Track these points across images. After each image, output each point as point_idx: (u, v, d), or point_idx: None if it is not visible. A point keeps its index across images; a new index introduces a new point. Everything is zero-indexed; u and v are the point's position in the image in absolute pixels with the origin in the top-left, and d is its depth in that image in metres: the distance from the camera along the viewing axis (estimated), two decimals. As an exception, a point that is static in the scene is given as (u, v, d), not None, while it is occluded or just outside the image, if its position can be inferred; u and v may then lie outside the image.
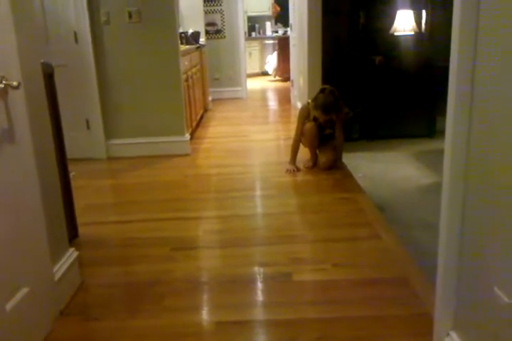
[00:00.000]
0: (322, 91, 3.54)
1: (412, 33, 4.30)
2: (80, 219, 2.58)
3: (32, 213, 1.71)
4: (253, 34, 10.87)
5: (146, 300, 1.97)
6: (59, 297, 1.88)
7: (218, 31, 7.73)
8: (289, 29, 7.17)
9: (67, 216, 2.20)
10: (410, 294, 1.94)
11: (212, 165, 4.02)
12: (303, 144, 3.76)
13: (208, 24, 7.45)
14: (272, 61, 10.14)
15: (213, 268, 2.27)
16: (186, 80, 4.63)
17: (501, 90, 1.17)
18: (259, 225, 2.79)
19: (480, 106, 1.28)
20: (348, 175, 3.51)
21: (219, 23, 7.72)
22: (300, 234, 2.62)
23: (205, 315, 1.91)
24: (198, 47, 6.00)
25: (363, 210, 2.85)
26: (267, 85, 9.63)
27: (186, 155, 4.24)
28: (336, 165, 3.68)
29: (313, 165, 3.71)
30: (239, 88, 7.83)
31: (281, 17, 10.37)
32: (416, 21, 4.29)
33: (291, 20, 6.42)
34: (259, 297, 2.01)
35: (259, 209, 3.04)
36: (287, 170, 3.61)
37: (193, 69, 5.32)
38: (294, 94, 6.47)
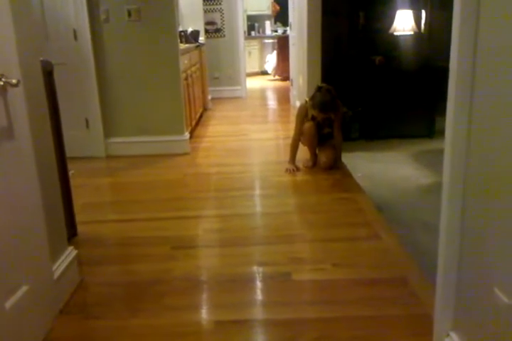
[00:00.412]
0: (319, 89, 3.54)
1: (412, 32, 4.30)
2: (79, 217, 2.58)
3: (31, 211, 1.71)
4: (252, 33, 10.86)
5: (146, 298, 1.97)
6: (58, 295, 1.88)
7: (218, 30, 7.72)
8: (288, 28, 7.17)
9: (66, 214, 2.19)
10: (410, 294, 1.94)
11: (212, 164, 4.02)
12: (302, 143, 3.76)
13: (207, 23, 7.44)
14: (271, 60, 10.14)
15: (213, 267, 2.27)
16: (186, 79, 4.62)
17: (501, 90, 1.17)
18: (258, 224, 2.79)
19: (480, 106, 1.28)
20: (348, 175, 3.51)
21: (218, 21, 7.71)
22: (299, 233, 2.62)
23: (204, 314, 1.91)
24: (197, 46, 5.99)
25: (362, 210, 2.85)
26: (266, 84, 9.63)
27: (186, 154, 4.24)
28: (335, 165, 3.68)
29: (313, 164, 3.71)
30: (238, 87, 7.83)
31: (281, 16, 10.36)
32: (415, 21, 4.29)
33: (290, 20, 6.42)
34: (259, 296, 2.01)
35: (259, 209, 3.04)
36: (287, 170, 3.61)
37: (193, 68, 5.32)
38: (294, 93, 6.47)
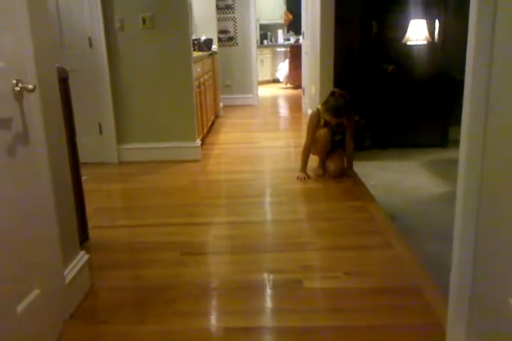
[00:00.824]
0: (332, 94, 3.55)
1: (425, 42, 4.29)
2: (91, 222, 2.59)
3: (45, 216, 1.72)
4: (265, 42, 10.92)
5: (156, 304, 1.96)
6: (69, 300, 1.89)
7: (230, 38, 7.78)
8: (300, 37, 7.20)
9: (79, 219, 2.21)
10: (422, 304, 1.92)
11: (223, 171, 4.03)
12: (313, 152, 3.75)
13: (220, 31, 7.50)
14: (283, 69, 10.18)
15: (223, 274, 2.26)
16: (198, 86, 4.65)
17: (518, 99, 1.17)
18: (269, 232, 2.79)
19: (495, 116, 1.27)
20: (359, 184, 3.50)
21: (231, 30, 7.77)
22: (310, 241, 2.61)
23: (214, 320, 1.90)
24: (210, 54, 6.04)
25: (374, 219, 2.83)
26: (278, 92, 9.65)
27: (197, 160, 4.25)
28: (346, 174, 3.67)
29: (324, 173, 3.71)
30: (250, 95, 7.86)
31: (294, 25, 10.41)
32: (429, 31, 4.29)
33: (303, 29, 6.44)
34: (269, 303, 2.00)
35: (270, 216, 3.04)
36: (298, 178, 3.61)
37: (205, 76, 5.35)
38: (305, 101, 6.48)
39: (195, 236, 2.67)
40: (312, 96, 5.60)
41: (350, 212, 2.96)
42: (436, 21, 4.36)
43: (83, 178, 2.54)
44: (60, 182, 1.90)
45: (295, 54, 8.89)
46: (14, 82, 1.52)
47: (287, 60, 9.97)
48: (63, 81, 2.18)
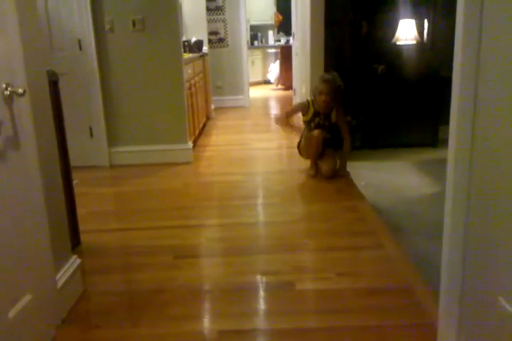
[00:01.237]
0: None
1: (414, 42, 4.32)
2: (83, 226, 2.58)
3: (36, 220, 1.71)
4: (255, 43, 10.92)
5: (149, 308, 1.96)
6: (61, 304, 1.88)
7: (221, 40, 7.77)
8: (291, 38, 7.21)
9: (70, 223, 2.20)
10: (414, 303, 1.93)
11: (215, 173, 4.03)
12: (303, 154, 3.78)
13: (210, 33, 7.49)
14: (274, 70, 10.19)
15: (216, 277, 2.26)
16: (189, 88, 4.64)
17: (505, 99, 1.18)
18: (261, 233, 2.79)
19: (483, 114, 1.29)
20: (351, 184, 3.51)
21: (222, 31, 7.76)
22: (303, 242, 2.61)
23: (207, 323, 1.90)
24: (201, 56, 6.03)
25: (365, 219, 2.84)
26: (269, 94, 9.66)
27: (189, 163, 4.25)
28: (340, 174, 3.68)
29: (316, 173, 3.71)
30: (241, 96, 7.86)
31: (284, 26, 10.42)
32: (418, 31, 4.31)
33: (293, 29, 6.46)
34: (262, 305, 2.00)
35: (262, 218, 3.04)
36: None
37: (196, 78, 5.35)
38: (297, 102, 6.49)
39: (188, 239, 2.66)
40: (303, 97, 5.60)
41: (341, 212, 2.97)
42: (425, 21, 4.40)
43: (74, 182, 2.53)
44: (51, 186, 1.89)
45: (286, 55, 8.90)
46: (4, 86, 1.51)
47: (278, 61, 9.98)
48: (53, 84, 2.17)
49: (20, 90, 1.54)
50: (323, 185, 3.56)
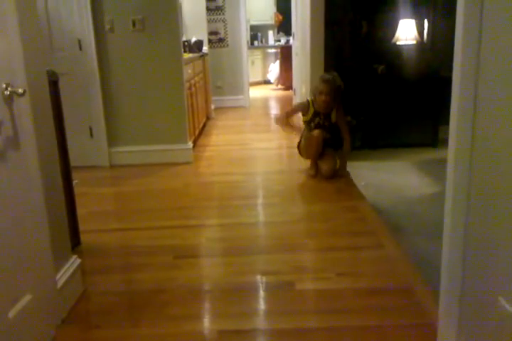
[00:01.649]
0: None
1: (414, 42, 4.32)
2: (83, 226, 2.58)
3: (36, 220, 1.71)
4: (255, 43, 10.92)
5: (149, 308, 1.96)
6: (61, 304, 1.88)
7: (221, 40, 7.77)
8: (291, 38, 7.21)
9: (70, 223, 2.20)
10: (414, 303, 1.93)
11: (215, 173, 4.03)
12: (303, 154, 3.77)
13: (210, 33, 7.49)
14: (274, 70, 10.19)
15: (216, 277, 2.26)
16: (189, 88, 4.64)
17: (505, 99, 1.18)
18: (261, 233, 2.79)
19: (483, 114, 1.29)
20: (351, 184, 3.51)
21: (222, 31, 7.76)
22: (303, 242, 2.61)
23: (207, 323, 1.90)
24: (201, 56, 6.03)
25: (365, 219, 2.84)
26: (269, 94, 9.66)
27: (189, 163, 4.25)
28: (340, 174, 3.68)
29: (316, 173, 3.72)
30: (241, 96, 7.85)
31: (284, 26, 10.43)
32: (418, 31, 4.31)
33: (293, 29, 6.46)
34: (262, 305, 2.00)
35: (262, 218, 3.04)
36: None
37: (196, 78, 5.34)
38: (297, 102, 6.49)
39: (188, 239, 2.66)
40: (303, 97, 5.60)
41: (341, 212, 2.97)
42: (425, 21, 4.40)
43: (74, 182, 2.53)
44: (51, 186, 1.89)
45: (286, 55, 8.89)
46: (4, 86, 1.51)
47: (278, 61, 9.98)
48: (53, 84, 2.17)
49: (20, 90, 1.54)
50: (323, 185, 3.56)
